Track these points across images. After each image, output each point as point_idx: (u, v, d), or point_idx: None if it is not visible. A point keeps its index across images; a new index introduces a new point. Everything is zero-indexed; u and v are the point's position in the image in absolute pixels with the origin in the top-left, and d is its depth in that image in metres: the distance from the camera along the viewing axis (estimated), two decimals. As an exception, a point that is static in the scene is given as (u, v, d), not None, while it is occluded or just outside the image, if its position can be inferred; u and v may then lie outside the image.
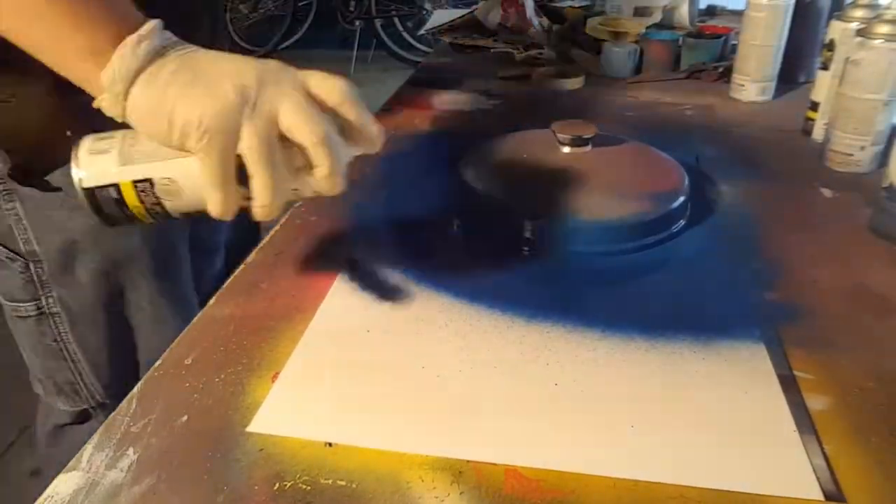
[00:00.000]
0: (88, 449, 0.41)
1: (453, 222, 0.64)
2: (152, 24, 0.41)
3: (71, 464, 0.40)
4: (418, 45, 4.29)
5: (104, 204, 0.42)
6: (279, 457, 0.40)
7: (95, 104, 0.41)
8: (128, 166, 0.42)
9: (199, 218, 0.44)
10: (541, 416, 0.43)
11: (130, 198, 0.42)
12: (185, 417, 0.43)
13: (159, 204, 0.43)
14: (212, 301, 0.54)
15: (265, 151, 0.40)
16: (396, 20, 4.32)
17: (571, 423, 0.42)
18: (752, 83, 0.99)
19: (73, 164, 0.42)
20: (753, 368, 0.47)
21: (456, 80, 1.12)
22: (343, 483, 0.38)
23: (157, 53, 0.41)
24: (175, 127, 0.39)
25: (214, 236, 0.82)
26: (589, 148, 0.65)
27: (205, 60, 0.42)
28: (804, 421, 0.42)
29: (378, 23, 4.31)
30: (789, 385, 0.45)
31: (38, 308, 0.65)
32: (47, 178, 0.59)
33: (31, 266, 0.63)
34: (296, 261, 0.60)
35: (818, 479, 0.38)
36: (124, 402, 0.44)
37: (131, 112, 0.40)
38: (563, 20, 1.33)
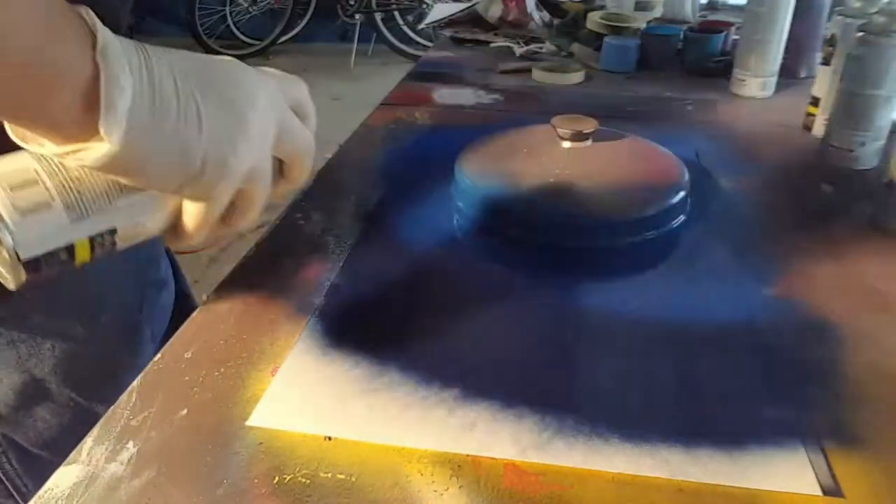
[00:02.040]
0: (88, 442, 0.41)
1: (454, 217, 0.64)
2: (92, 15, 0.29)
3: (71, 457, 0.40)
4: (418, 39, 4.28)
5: (45, 268, 0.32)
6: (279, 450, 0.40)
7: (72, 154, 0.30)
8: (84, 220, 0.32)
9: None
10: (540, 410, 0.43)
11: (83, 253, 0.33)
12: (184, 411, 0.43)
13: (113, 248, 0.34)
14: (211, 294, 0.54)
15: (266, 192, 0.37)
16: (397, 14, 4.31)
17: (571, 417, 0.42)
18: (753, 78, 0.98)
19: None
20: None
21: (456, 75, 1.12)
22: (342, 477, 0.38)
23: (144, 65, 0.30)
24: (197, 171, 0.32)
25: (161, 272, 0.67)
26: (589, 143, 0.64)
27: (207, 72, 0.32)
28: (802, 415, 0.42)
29: (378, 16, 4.30)
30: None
31: None
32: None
33: None
34: (295, 255, 0.60)
35: (816, 474, 0.38)
36: (124, 396, 0.44)
37: (130, 153, 0.30)
38: (563, 14, 1.33)
